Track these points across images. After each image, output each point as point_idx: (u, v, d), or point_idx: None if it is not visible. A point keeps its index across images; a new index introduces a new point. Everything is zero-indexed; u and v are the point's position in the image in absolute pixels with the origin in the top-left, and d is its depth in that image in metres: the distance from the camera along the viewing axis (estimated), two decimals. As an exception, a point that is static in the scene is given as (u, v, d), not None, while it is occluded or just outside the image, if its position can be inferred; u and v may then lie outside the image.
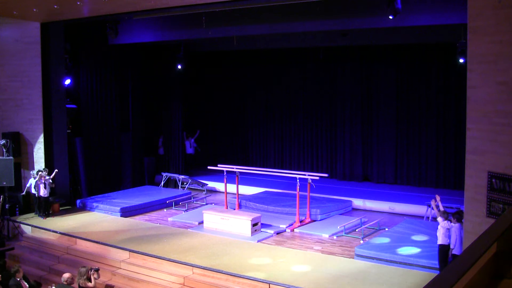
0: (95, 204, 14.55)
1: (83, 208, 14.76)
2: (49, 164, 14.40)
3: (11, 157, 13.71)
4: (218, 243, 11.28)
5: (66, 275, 8.90)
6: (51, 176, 13.74)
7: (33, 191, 13.69)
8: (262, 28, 13.90)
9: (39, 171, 13.68)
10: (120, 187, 17.33)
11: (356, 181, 17.17)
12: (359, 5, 12.21)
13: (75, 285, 9.03)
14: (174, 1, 11.70)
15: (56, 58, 14.73)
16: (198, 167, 19.18)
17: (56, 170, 14.06)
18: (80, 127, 16.52)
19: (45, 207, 13.69)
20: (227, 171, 14.24)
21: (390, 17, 10.55)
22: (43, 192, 13.44)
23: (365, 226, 12.27)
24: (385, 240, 10.74)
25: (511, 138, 7.50)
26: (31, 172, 14.03)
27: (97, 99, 16.77)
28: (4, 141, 13.84)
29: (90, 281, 9.02)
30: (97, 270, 9.25)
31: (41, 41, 14.31)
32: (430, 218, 12.64)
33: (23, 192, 14.05)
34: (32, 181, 13.68)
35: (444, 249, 8.90)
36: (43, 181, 13.39)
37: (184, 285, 9.74)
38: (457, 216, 8.85)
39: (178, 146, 18.67)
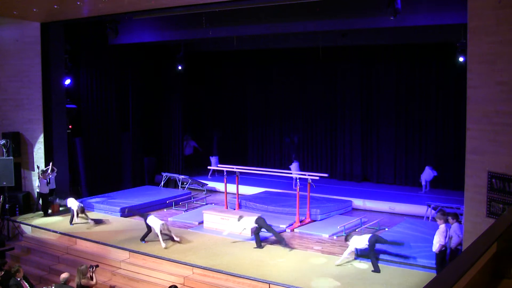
0: (95, 204, 14.55)
1: (83, 208, 14.77)
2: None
3: (11, 157, 13.72)
4: (218, 243, 11.29)
5: (64, 275, 8.90)
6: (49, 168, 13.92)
7: (37, 189, 13.79)
8: (262, 28, 13.90)
9: (43, 170, 13.80)
10: (120, 187, 17.32)
11: (356, 181, 17.17)
12: (359, 5, 12.21)
13: (73, 284, 9.02)
14: (174, 1, 11.71)
15: (56, 58, 14.73)
16: (198, 167, 19.18)
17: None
18: (80, 127, 16.52)
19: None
20: (227, 171, 14.25)
21: (391, 18, 10.55)
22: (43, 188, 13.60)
23: (365, 226, 12.28)
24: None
25: (511, 138, 7.49)
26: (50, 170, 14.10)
27: (97, 99, 16.77)
28: (4, 141, 13.85)
29: (92, 279, 9.04)
30: (97, 266, 9.30)
31: (41, 41, 14.32)
32: (430, 218, 12.64)
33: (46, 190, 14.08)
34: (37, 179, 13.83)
35: (443, 252, 8.85)
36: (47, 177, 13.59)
37: (184, 285, 9.74)
38: (455, 216, 8.84)
39: (178, 146, 18.67)
